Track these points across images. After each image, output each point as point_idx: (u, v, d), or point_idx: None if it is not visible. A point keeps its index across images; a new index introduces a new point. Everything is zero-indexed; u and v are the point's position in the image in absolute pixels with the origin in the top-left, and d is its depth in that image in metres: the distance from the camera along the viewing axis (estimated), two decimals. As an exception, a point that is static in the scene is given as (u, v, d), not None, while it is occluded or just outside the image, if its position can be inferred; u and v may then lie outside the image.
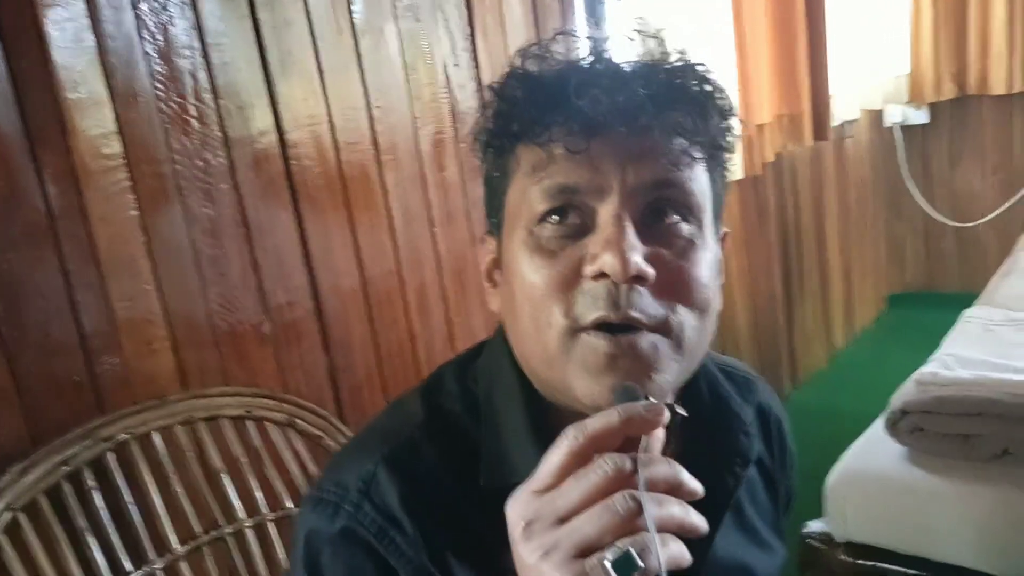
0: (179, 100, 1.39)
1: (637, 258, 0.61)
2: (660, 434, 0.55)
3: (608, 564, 0.48)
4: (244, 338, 1.51)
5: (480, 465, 0.70)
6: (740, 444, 0.77)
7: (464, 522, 0.69)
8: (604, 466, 0.51)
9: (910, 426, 1.66)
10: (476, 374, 0.76)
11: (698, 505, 0.75)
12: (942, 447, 1.64)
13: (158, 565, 1.21)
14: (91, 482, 1.18)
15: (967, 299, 2.57)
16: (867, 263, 3.67)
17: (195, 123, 1.41)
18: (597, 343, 0.62)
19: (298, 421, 1.38)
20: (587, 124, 0.63)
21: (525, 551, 0.52)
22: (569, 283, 0.64)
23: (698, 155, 0.66)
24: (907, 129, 3.60)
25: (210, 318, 1.45)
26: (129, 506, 1.20)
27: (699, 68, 0.67)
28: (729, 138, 0.68)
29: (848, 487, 1.77)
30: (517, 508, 0.54)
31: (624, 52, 0.69)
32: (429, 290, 1.85)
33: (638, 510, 0.50)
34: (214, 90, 1.44)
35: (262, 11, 1.49)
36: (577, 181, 0.64)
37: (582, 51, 0.69)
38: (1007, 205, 3.51)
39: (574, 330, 0.63)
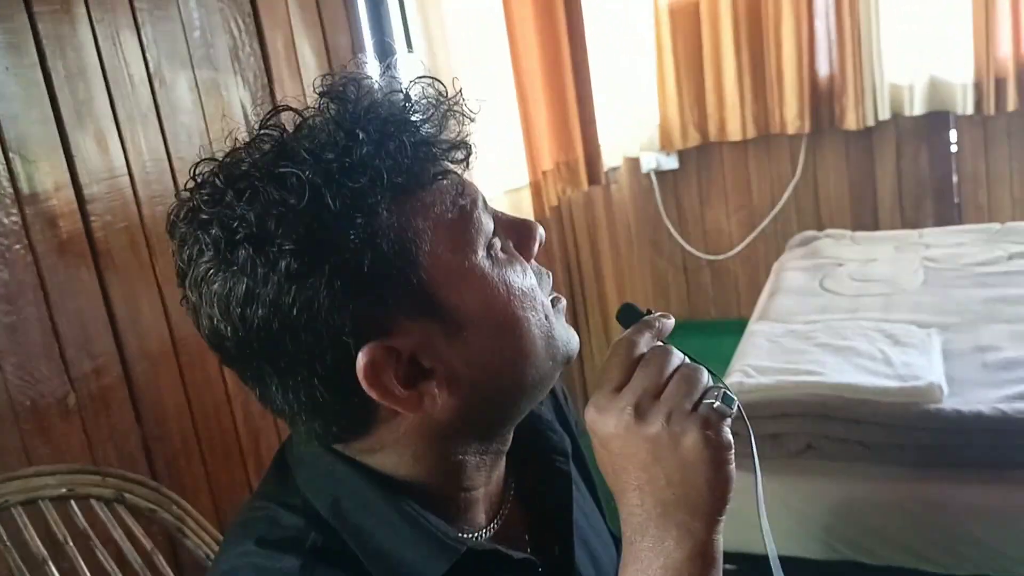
0: (-36, 155, 1.27)
1: None
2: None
3: (719, 404, 0.63)
4: (47, 412, 1.37)
5: None
6: (552, 441, 0.81)
7: None
8: (663, 351, 0.65)
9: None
10: (307, 498, 0.68)
11: (548, 510, 0.79)
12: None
13: (-23, 674, 1.06)
14: None
15: (722, 325, 2.84)
16: (638, 298, 3.94)
17: (-17, 180, 1.29)
18: (560, 304, 0.72)
19: (127, 495, 1.27)
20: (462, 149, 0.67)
21: (645, 427, 0.62)
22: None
23: None
24: (661, 174, 3.94)
25: (8, 392, 1.31)
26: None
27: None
28: None
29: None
30: (614, 403, 0.63)
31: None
32: (243, 347, 1.77)
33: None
34: (2, 144, 1.32)
35: (53, 60, 1.39)
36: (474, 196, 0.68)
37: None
38: (749, 239, 3.92)
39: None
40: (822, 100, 3.58)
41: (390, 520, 0.66)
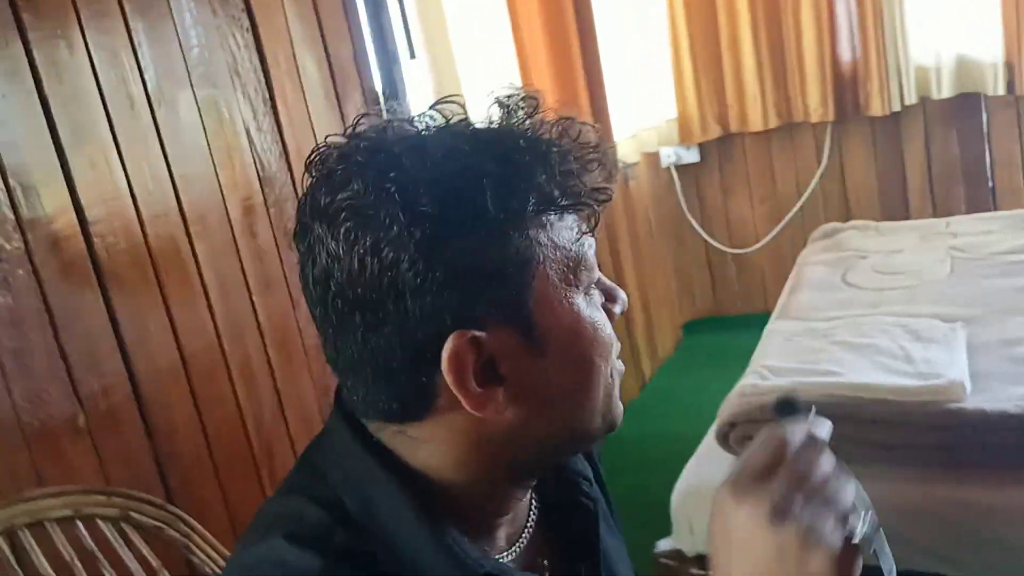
0: (-38, 184, 1.29)
1: None
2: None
3: (862, 531, 0.59)
4: (57, 434, 1.39)
5: None
6: (577, 466, 0.82)
7: None
8: (816, 453, 0.61)
9: (739, 436, 1.77)
10: (337, 493, 0.69)
11: (578, 530, 0.81)
12: (769, 452, 1.75)
13: None
14: None
15: (749, 319, 2.80)
16: (661, 295, 3.90)
17: (-17, 206, 1.31)
18: (620, 366, 0.73)
19: (133, 514, 1.28)
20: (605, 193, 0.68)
21: (780, 529, 0.58)
22: None
23: None
24: (681, 168, 3.90)
25: (17, 416, 1.33)
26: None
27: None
28: None
29: (690, 502, 1.86)
30: (754, 492, 0.59)
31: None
32: (254, 361, 1.78)
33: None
34: (2, 171, 1.33)
35: (49, 85, 1.41)
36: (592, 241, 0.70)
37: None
38: (775, 230, 3.86)
39: None
40: (846, 86, 3.52)
41: (415, 529, 0.67)
